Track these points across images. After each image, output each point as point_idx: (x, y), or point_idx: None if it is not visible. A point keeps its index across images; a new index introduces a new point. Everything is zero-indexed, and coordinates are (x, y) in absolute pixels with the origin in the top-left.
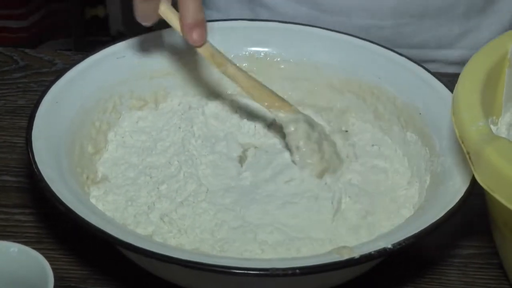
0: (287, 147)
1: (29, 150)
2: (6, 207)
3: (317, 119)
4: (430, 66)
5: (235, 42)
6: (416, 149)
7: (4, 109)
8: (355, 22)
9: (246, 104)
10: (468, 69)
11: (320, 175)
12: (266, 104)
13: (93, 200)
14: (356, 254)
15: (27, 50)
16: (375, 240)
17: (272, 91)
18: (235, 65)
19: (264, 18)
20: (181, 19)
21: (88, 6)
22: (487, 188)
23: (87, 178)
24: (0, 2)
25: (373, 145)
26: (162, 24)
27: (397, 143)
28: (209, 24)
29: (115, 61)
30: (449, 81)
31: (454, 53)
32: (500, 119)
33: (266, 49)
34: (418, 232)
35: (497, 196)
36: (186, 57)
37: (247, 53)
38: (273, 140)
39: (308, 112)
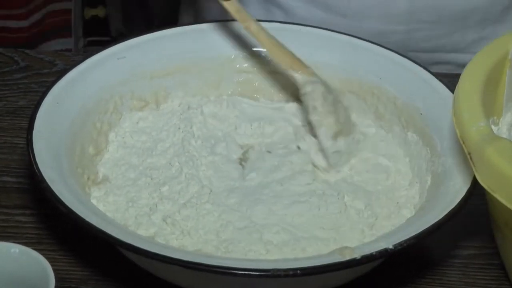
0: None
1: (30, 150)
2: (6, 208)
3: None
4: (443, 67)
5: (236, 43)
6: (417, 149)
7: (4, 110)
8: (368, 26)
9: (244, 104)
10: (469, 69)
11: (335, 137)
12: (284, 64)
13: (94, 201)
14: (357, 254)
15: (27, 51)
16: (376, 240)
17: (292, 52)
18: (258, 23)
19: (279, 19)
20: None
21: (88, 6)
22: (488, 189)
23: (88, 179)
24: (0, 2)
25: (382, 140)
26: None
27: (398, 143)
28: (211, 24)
29: (116, 62)
30: (450, 81)
31: (466, 58)
32: (501, 119)
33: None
34: (419, 232)
35: (498, 196)
36: (187, 57)
37: (247, 53)
38: (271, 139)
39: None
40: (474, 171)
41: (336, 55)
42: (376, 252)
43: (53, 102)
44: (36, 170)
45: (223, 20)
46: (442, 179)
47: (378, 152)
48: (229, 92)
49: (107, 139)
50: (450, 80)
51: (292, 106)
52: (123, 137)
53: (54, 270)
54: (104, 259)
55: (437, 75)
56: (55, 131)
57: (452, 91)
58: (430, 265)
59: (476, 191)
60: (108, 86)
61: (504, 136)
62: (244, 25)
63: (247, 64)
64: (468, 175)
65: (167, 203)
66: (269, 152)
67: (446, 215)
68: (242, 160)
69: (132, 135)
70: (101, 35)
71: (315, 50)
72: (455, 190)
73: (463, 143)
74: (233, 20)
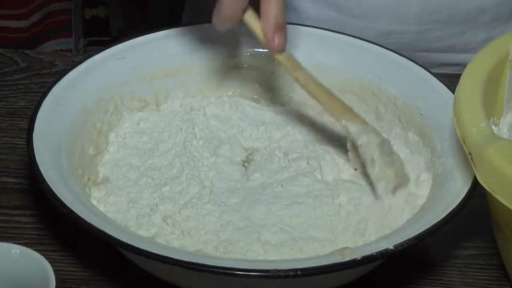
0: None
1: (30, 151)
2: (7, 208)
3: (319, 121)
4: (452, 69)
5: (236, 43)
6: (418, 150)
7: (4, 111)
8: (379, 26)
9: (246, 106)
10: (469, 70)
11: (394, 190)
12: (336, 113)
13: (94, 202)
14: (357, 255)
15: (27, 51)
16: (377, 241)
17: (342, 101)
18: (308, 73)
19: (291, 21)
20: (263, 22)
21: (88, 6)
22: (488, 189)
23: (88, 179)
24: (0, 2)
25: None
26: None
27: (398, 144)
28: (209, 26)
29: (116, 62)
30: (450, 81)
31: None
32: (501, 119)
33: (266, 50)
34: (420, 233)
35: (498, 197)
36: (187, 58)
37: (248, 54)
38: (278, 144)
39: (310, 113)
40: (475, 171)
41: (336, 56)
42: (376, 252)
43: (53, 103)
44: (36, 171)
45: None
46: (442, 179)
47: None
48: (229, 93)
49: (107, 139)
50: (450, 80)
51: (296, 111)
52: (123, 138)
53: (55, 270)
54: (105, 259)
55: (437, 75)
56: (55, 132)
57: (453, 91)
58: (431, 265)
59: (476, 192)
60: (108, 87)
61: (505, 136)
62: (292, 76)
63: (247, 65)
64: (469, 176)
65: (167, 203)
66: (276, 155)
67: (447, 215)
68: (246, 162)
69: (132, 136)
70: (101, 35)
71: (315, 51)
72: (456, 191)
73: (464, 143)
74: None
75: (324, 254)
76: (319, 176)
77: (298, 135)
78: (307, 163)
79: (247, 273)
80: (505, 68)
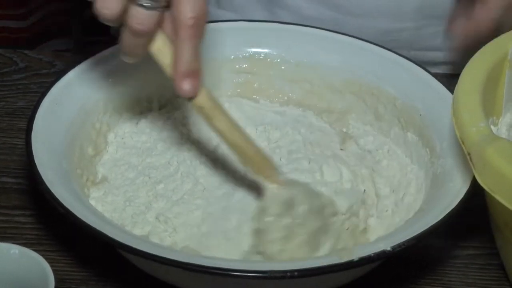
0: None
1: (29, 152)
2: (6, 208)
3: (318, 121)
4: (450, 67)
5: (235, 43)
6: (417, 150)
7: (4, 111)
8: (376, 24)
9: (246, 105)
10: (468, 69)
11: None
12: (254, 170)
13: (92, 202)
14: (355, 256)
15: (26, 52)
16: (375, 242)
17: (265, 155)
18: (227, 119)
19: (285, 18)
20: (173, 65)
21: (88, 7)
22: (488, 189)
23: (87, 180)
24: (0, 2)
25: (378, 150)
26: None
27: (397, 144)
28: (208, 25)
29: (115, 62)
30: (448, 81)
31: None
32: (500, 119)
33: (266, 50)
34: (418, 234)
35: (497, 197)
36: None
37: (247, 54)
38: (276, 144)
39: (309, 113)
40: (474, 171)
41: (336, 56)
42: (374, 254)
43: (51, 103)
44: (35, 172)
45: (221, 20)
46: (441, 180)
47: (381, 156)
48: (229, 93)
49: (106, 140)
50: (449, 80)
51: (295, 111)
52: (122, 138)
53: (54, 271)
54: (104, 259)
55: (436, 75)
56: (54, 132)
57: (451, 91)
58: (430, 265)
59: (476, 192)
60: (107, 87)
61: (504, 136)
62: (207, 122)
63: (246, 65)
64: (468, 176)
65: (161, 201)
66: (276, 153)
67: (445, 216)
68: None
69: (132, 135)
70: (100, 35)
71: (315, 51)
72: (455, 191)
73: (463, 143)
74: (233, 21)
75: (322, 255)
76: (318, 177)
77: (298, 135)
78: (309, 163)
79: (245, 274)
80: (504, 68)
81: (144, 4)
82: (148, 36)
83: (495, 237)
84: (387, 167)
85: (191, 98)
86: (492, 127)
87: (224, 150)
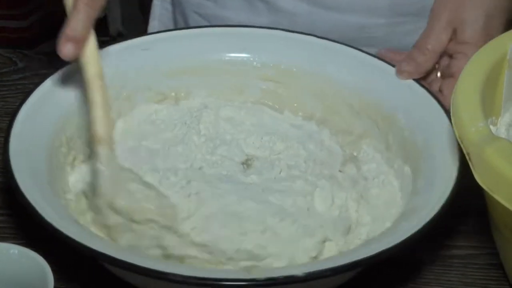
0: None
1: (6, 152)
2: (5, 208)
3: (331, 140)
4: None
5: (266, 52)
6: (409, 184)
7: (3, 111)
8: (351, 19)
9: (266, 114)
10: (467, 70)
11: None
12: (96, 129)
13: (72, 179)
14: (263, 276)
15: (26, 52)
16: (288, 268)
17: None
18: (102, 93)
19: (263, 13)
20: (63, 28)
21: None
22: (487, 189)
23: (74, 159)
24: None
25: (374, 179)
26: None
27: (397, 177)
28: (241, 29)
29: (136, 53)
30: None
31: None
32: (499, 119)
33: (295, 63)
34: (334, 267)
35: (497, 197)
36: (212, 58)
37: (274, 64)
38: (277, 156)
39: (325, 132)
40: (473, 171)
41: (359, 76)
42: (282, 276)
43: (53, 86)
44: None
45: (252, 26)
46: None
47: (375, 185)
48: (252, 99)
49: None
50: None
51: (312, 126)
52: (130, 124)
53: (53, 271)
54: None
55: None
56: (48, 115)
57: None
58: (429, 265)
59: (475, 191)
60: (120, 75)
61: (503, 136)
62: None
63: (274, 73)
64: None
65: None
66: (274, 164)
67: (371, 257)
68: (244, 164)
69: (140, 123)
70: (100, 35)
71: (338, 68)
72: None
73: (462, 143)
74: (267, 28)
75: (230, 269)
76: (309, 201)
77: (302, 151)
78: (304, 182)
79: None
80: (503, 68)
81: None
82: None
83: (494, 237)
84: (376, 196)
85: (69, 60)
86: (491, 127)
87: (223, 150)
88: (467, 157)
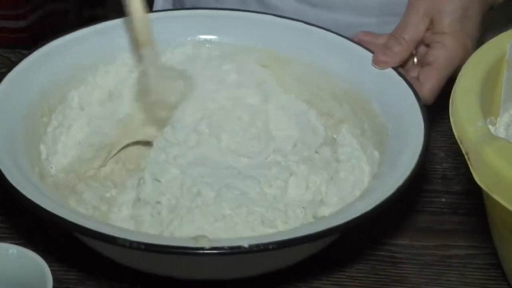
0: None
1: None
2: (4, 208)
3: (317, 120)
4: None
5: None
6: (376, 168)
7: None
8: (339, 17)
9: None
10: (466, 69)
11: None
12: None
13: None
14: (208, 245)
15: (24, 52)
16: (238, 239)
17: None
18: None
19: (254, 8)
20: None
21: (87, 7)
22: (485, 189)
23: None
24: None
25: (347, 162)
26: None
27: (369, 163)
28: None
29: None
30: None
31: None
32: (498, 119)
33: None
34: (279, 240)
35: (495, 196)
36: None
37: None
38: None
39: (312, 112)
40: (472, 171)
41: (345, 65)
42: (227, 247)
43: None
44: None
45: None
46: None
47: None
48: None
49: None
50: None
51: (302, 106)
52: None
53: (52, 271)
54: (102, 260)
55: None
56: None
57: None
58: (428, 265)
59: (474, 191)
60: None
61: (501, 136)
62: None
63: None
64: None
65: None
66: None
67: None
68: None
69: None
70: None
71: (325, 55)
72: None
73: (461, 143)
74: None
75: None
76: (283, 184)
77: (294, 131)
78: (280, 168)
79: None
80: (502, 68)
81: None
82: None
83: (493, 236)
84: (344, 179)
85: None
86: (490, 126)
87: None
88: (466, 157)
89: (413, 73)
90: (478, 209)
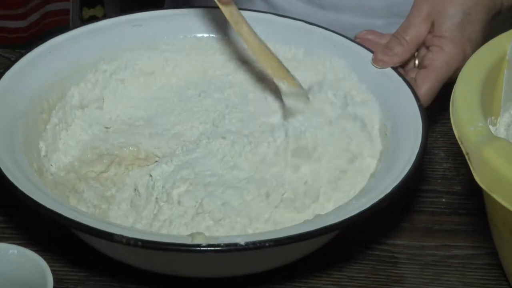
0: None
1: None
2: (4, 208)
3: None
4: None
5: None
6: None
7: None
8: (346, 19)
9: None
10: (467, 70)
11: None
12: (270, 71)
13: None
14: (205, 242)
15: (24, 52)
16: (233, 236)
17: (279, 60)
18: (250, 27)
19: (261, 9)
20: None
21: (86, 7)
22: (486, 189)
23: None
24: None
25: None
26: None
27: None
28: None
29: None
30: None
31: None
32: (498, 119)
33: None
34: (277, 238)
35: (496, 196)
36: None
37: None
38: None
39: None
40: (472, 171)
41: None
42: (224, 244)
43: (45, 52)
44: None
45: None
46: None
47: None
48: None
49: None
50: None
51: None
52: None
53: (52, 271)
54: (102, 260)
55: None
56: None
57: None
58: (428, 265)
59: (474, 191)
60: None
61: (502, 136)
62: (235, 28)
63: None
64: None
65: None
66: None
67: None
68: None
69: (130, 80)
70: None
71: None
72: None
73: (461, 143)
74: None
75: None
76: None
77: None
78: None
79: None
80: (502, 68)
81: None
82: None
83: (493, 236)
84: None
85: (225, 3)
86: (490, 127)
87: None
88: (466, 157)
89: (412, 75)
90: (478, 209)
